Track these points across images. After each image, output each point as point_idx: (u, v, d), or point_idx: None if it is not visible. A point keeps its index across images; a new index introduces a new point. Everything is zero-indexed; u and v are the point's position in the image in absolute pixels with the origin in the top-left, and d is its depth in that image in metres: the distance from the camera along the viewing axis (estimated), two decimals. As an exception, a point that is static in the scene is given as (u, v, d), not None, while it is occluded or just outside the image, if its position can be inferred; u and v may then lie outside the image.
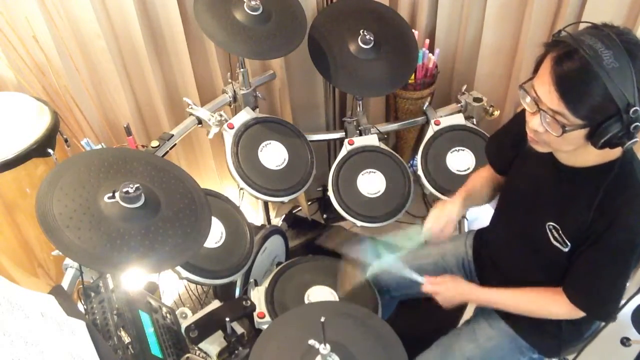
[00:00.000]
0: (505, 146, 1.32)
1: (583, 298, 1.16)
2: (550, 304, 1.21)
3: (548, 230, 1.17)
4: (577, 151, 1.05)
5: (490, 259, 1.42)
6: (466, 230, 2.11)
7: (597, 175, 1.06)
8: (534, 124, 1.03)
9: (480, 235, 1.53)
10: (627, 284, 1.13)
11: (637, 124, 0.93)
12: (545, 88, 0.97)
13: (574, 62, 0.92)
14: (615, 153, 1.04)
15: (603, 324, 1.28)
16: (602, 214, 1.06)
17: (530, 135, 1.08)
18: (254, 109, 1.83)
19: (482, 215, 2.34)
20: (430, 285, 1.35)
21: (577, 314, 1.17)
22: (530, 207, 1.24)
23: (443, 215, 1.35)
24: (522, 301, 1.26)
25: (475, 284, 1.36)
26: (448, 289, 1.33)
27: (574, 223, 1.11)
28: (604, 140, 0.95)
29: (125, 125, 1.64)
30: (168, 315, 1.27)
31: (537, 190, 1.22)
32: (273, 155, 1.71)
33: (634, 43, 0.92)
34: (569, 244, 1.14)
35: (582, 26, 0.99)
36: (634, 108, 0.91)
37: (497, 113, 1.85)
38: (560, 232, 1.15)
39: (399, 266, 1.39)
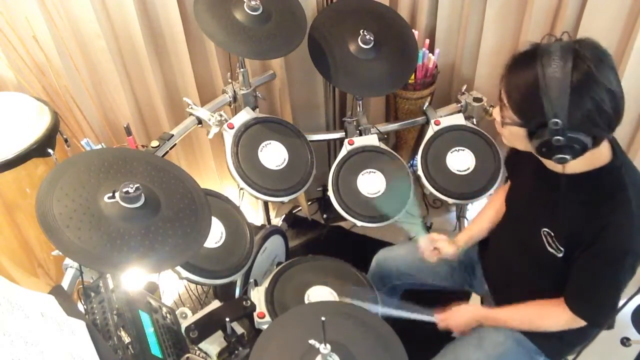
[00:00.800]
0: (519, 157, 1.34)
1: (582, 306, 1.17)
2: (550, 316, 1.22)
3: (543, 237, 1.18)
4: None
5: (496, 257, 1.42)
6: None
7: (585, 181, 1.07)
8: (495, 112, 1.13)
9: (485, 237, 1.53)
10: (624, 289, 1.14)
11: (559, 137, 0.95)
12: (503, 81, 1.06)
13: (525, 62, 0.99)
14: (603, 159, 1.06)
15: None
16: (592, 220, 1.06)
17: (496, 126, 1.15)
18: (254, 109, 1.83)
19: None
20: (441, 322, 1.38)
21: (578, 323, 1.18)
22: (527, 214, 1.26)
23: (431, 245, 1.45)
24: (525, 316, 1.28)
25: (480, 306, 1.41)
26: (457, 319, 1.36)
27: (566, 229, 1.12)
28: (536, 146, 1.00)
29: (125, 125, 1.64)
30: (168, 315, 1.27)
31: (532, 197, 1.24)
32: (273, 155, 1.71)
33: (592, 63, 0.94)
34: (562, 249, 1.15)
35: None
36: (555, 120, 0.94)
37: (497, 113, 1.85)
38: (554, 237, 1.16)
39: (405, 310, 1.41)
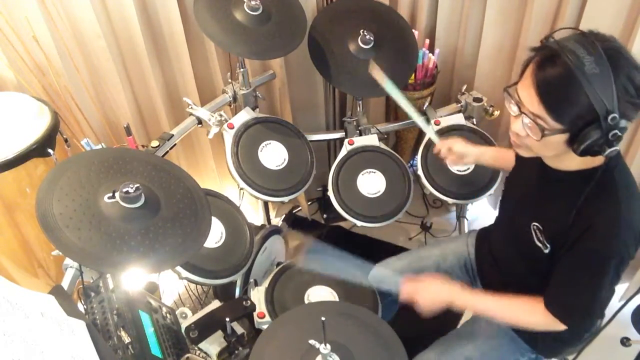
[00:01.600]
0: None
1: (557, 308, 1.15)
2: (529, 314, 1.20)
3: (532, 231, 1.18)
4: (562, 155, 1.06)
5: (492, 257, 1.43)
6: (467, 230, 2.11)
7: (579, 180, 1.06)
8: (516, 127, 1.05)
9: (482, 235, 1.53)
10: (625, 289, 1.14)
11: (616, 131, 0.93)
12: (527, 91, 0.99)
13: (556, 66, 0.94)
14: (598, 159, 1.04)
15: (603, 324, 1.28)
16: (579, 220, 1.06)
17: (513, 139, 1.10)
18: (254, 109, 1.83)
19: (482, 215, 2.34)
20: (405, 293, 1.26)
21: (556, 325, 1.15)
22: (520, 207, 1.26)
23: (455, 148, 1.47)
24: (505, 309, 1.23)
25: (461, 287, 1.26)
26: (426, 295, 1.24)
27: (554, 225, 1.12)
28: (583, 147, 0.96)
29: (125, 125, 1.64)
30: (168, 315, 1.27)
31: (526, 191, 1.24)
32: (273, 155, 1.71)
33: (616, 50, 0.94)
34: (548, 245, 1.15)
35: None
36: (613, 115, 0.92)
37: (497, 113, 1.85)
38: (542, 232, 1.16)
39: (377, 277, 1.38)
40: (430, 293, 1.25)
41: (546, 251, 1.15)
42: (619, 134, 0.94)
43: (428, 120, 1.83)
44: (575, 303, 1.14)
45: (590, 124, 0.94)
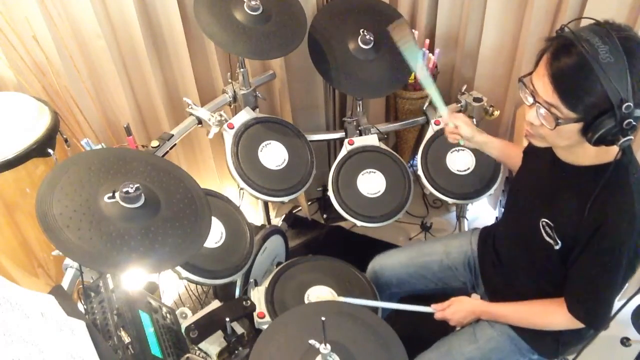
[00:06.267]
0: None
1: (581, 311, 1.17)
2: (550, 314, 1.23)
3: (541, 227, 1.18)
4: (575, 148, 1.06)
5: (496, 255, 1.43)
6: (467, 229, 2.11)
7: (592, 175, 1.06)
8: (530, 116, 1.05)
9: (485, 233, 1.53)
10: (624, 287, 1.14)
11: (630, 120, 0.93)
12: (541, 81, 0.99)
13: (570, 55, 0.94)
14: (611, 155, 1.04)
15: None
16: (592, 216, 1.06)
17: (527, 128, 1.10)
18: (254, 109, 1.83)
19: (482, 215, 2.34)
20: (439, 313, 1.37)
21: (577, 324, 1.18)
22: (528, 203, 1.25)
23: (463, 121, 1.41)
24: (524, 314, 1.28)
25: (480, 300, 1.39)
26: (455, 312, 1.35)
27: (566, 221, 1.12)
28: (597, 136, 0.96)
29: (125, 125, 1.64)
30: (168, 315, 1.27)
31: (536, 186, 1.24)
32: (273, 155, 1.71)
33: (631, 39, 0.93)
34: (559, 242, 1.15)
35: (584, 23, 1.00)
36: (627, 104, 0.91)
37: (497, 113, 1.85)
38: (553, 229, 1.16)
39: (404, 304, 1.41)
40: (460, 313, 1.36)
41: (557, 247, 1.15)
42: (634, 123, 0.93)
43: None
44: (597, 304, 1.15)
45: (605, 112, 0.93)
